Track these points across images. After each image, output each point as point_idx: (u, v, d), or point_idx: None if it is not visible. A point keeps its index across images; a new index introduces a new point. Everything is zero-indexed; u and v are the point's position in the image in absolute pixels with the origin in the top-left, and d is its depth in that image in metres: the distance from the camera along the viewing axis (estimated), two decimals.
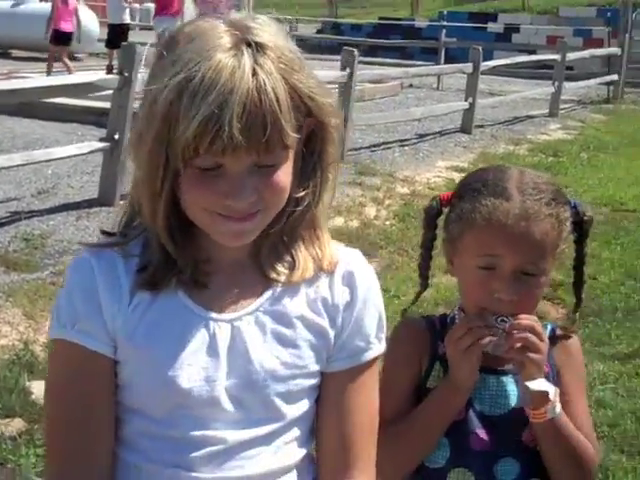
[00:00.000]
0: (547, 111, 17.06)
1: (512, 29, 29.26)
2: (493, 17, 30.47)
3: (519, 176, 1.91)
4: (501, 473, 1.94)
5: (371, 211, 9.22)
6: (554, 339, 2.00)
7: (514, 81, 21.31)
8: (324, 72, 13.31)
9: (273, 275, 1.63)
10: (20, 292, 6.25)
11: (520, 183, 1.90)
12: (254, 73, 1.44)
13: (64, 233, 7.40)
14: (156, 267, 1.58)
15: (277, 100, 1.45)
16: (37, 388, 4.97)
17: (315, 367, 1.65)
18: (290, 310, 1.63)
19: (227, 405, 1.58)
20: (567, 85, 18.20)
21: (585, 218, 2.00)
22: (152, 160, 1.50)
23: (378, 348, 1.70)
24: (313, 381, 1.65)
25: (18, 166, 7.62)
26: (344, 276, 1.68)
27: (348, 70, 10.80)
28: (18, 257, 6.80)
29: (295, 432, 1.65)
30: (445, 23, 26.03)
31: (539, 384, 1.84)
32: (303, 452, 1.68)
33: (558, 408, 1.88)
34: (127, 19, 19.30)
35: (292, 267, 1.63)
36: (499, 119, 15.91)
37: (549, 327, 2.04)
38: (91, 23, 21.30)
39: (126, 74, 7.74)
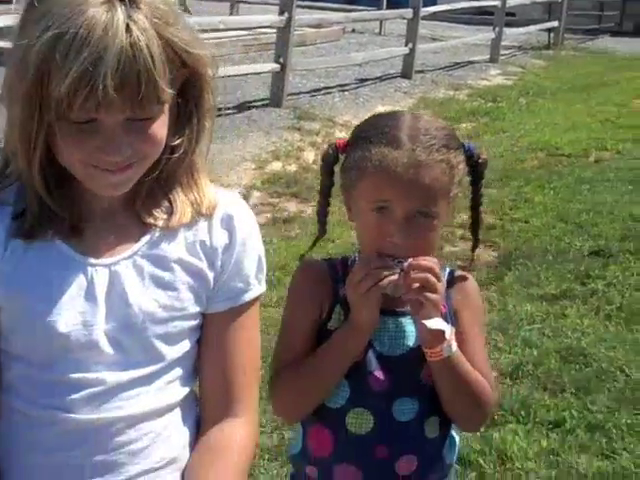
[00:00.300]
0: (488, 57, 17.14)
1: None
2: None
3: (412, 122, 1.93)
4: (400, 412, 1.97)
5: (309, 155, 9.24)
6: (452, 281, 2.04)
7: (457, 27, 21.35)
8: (260, 16, 13.33)
9: (150, 220, 1.65)
10: None
11: (412, 130, 1.91)
12: (128, 29, 1.43)
13: None
14: (33, 215, 1.58)
15: (151, 57, 1.44)
16: None
17: (195, 309, 1.69)
18: (168, 254, 1.66)
19: (106, 348, 1.61)
20: (508, 31, 18.25)
21: (480, 161, 2.01)
22: (24, 113, 1.49)
23: (258, 289, 1.76)
24: (193, 322, 1.70)
25: None
26: (223, 219, 1.71)
27: (286, 14, 10.76)
28: None
29: (177, 372, 1.70)
30: None
31: (435, 323, 1.88)
32: (186, 391, 1.73)
33: (454, 347, 1.92)
34: None
35: (170, 212, 1.66)
36: (440, 65, 15.96)
37: (447, 270, 2.07)
38: None
39: None
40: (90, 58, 1.41)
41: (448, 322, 1.94)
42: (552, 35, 20.75)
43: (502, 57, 17.59)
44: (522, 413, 4.08)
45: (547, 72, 16.88)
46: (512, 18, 20.06)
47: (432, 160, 1.88)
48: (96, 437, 1.62)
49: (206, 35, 13.95)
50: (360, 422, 1.98)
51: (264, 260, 1.77)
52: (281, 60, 10.97)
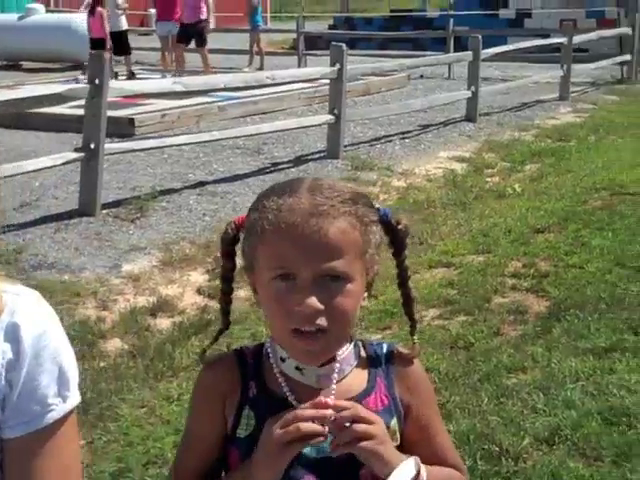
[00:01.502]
0: (557, 95, 16.74)
1: (524, 14, 28.77)
2: (504, 3, 30.01)
3: (313, 180, 1.69)
4: None
5: None
6: (391, 360, 1.78)
7: (529, 66, 20.92)
8: (311, 69, 13.22)
9: None
10: None
11: (312, 184, 1.67)
12: None
13: (40, 247, 7.26)
14: None
15: None
16: None
17: None
18: None
19: None
20: (579, 67, 17.84)
21: (400, 227, 1.76)
22: None
23: (62, 407, 1.52)
24: None
25: None
26: (7, 330, 1.48)
27: (338, 65, 10.59)
28: None
29: None
30: (455, 12, 25.60)
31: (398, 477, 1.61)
32: None
33: (424, 476, 1.66)
34: (124, 26, 19.29)
35: None
36: (507, 106, 15.63)
37: (384, 347, 1.81)
38: None
39: (97, 82, 7.59)
40: None
41: (394, 415, 1.70)
42: (625, 69, 20.24)
43: (573, 94, 17.17)
44: None
45: (619, 107, 16.40)
46: (585, 54, 19.61)
47: (336, 210, 1.62)
48: None
49: (266, 90, 14.00)
50: None
51: (72, 369, 1.53)
52: (335, 111, 10.79)
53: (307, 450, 1.66)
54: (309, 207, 1.61)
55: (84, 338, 5.75)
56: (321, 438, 1.60)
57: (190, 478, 1.77)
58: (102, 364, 5.46)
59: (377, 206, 1.74)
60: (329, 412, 1.61)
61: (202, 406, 1.78)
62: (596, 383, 4.78)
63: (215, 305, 6.25)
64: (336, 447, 1.61)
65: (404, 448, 1.72)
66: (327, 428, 1.60)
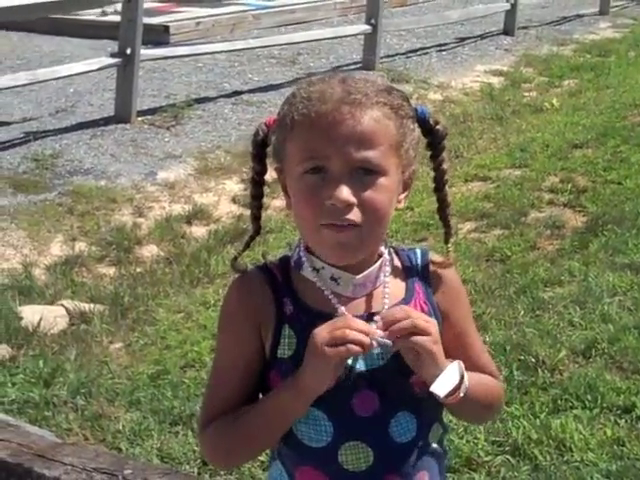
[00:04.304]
0: (598, 10, 16.39)
1: None
2: None
3: (347, 73, 1.63)
4: (399, 434, 1.66)
5: None
6: (427, 267, 1.73)
7: None
8: None
9: None
10: (26, 214, 6.15)
11: (346, 76, 1.60)
12: None
13: (76, 152, 7.26)
14: None
15: None
16: (28, 313, 4.88)
17: None
18: None
19: None
20: None
21: (437, 127, 1.68)
22: None
23: None
24: None
25: (23, 85, 7.46)
26: None
27: None
28: (27, 178, 6.69)
29: None
30: None
31: (443, 384, 1.59)
32: None
33: (466, 381, 1.63)
34: None
35: None
36: (546, 20, 15.31)
37: (418, 253, 1.75)
38: None
39: None
40: None
41: (432, 316, 1.65)
42: None
43: (613, 9, 16.79)
44: (588, 397, 3.76)
45: None
46: None
47: (370, 100, 1.55)
48: None
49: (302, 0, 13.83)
50: (357, 458, 1.64)
51: None
52: (372, 21, 10.62)
53: (357, 364, 1.63)
54: (341, 95, 1.54)
55: (120, 244, 5.79)
56: (360, 349, 1.53)
57: (218, 426, 1.68)
58: (139, 269, 5.50)
59: (415, 106, 1.66)
60: (378, 330, 1.56)
61: (235, 330, 1.67)
62: (633, 298, 4.77)
63: None
64: (397, 340, 1.56)
65: None
66: (374, 343, 1.56)
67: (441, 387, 1.59)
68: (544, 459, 3.38)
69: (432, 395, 1.61)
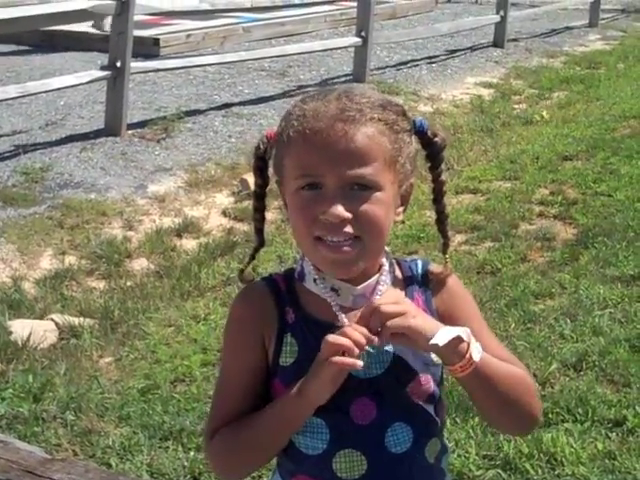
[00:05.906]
0: (587, 22, 16.46)
1: None
2: None
3: (344, 87, 1.64)
4: (394, 443, 1.67)
5: None
6: (427, 276, 1.74)
7: None
8: None
9: None
10: (15, 227, 6.13)
11: (342, 91, 1.61)
12: None
13: (65, 165, 7.24)
14: None
15: None
16: (18, 327, 4.86)
17: None
18: None
19: None
20: None
21: (436, 139, 1.69)
22: None
23: None
24: None
25: (13, 98, 7.44)
26: None
27: None
28: (16, 192, 6.67)
29: None
30: None
31: (442, 335, 1.57)
32: None
33: (479, 345, 1.62)
34: None
35: None
36: (536, 32, 15.37)
37: (419, 263, 1.76)
38: None
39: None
40: None
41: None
42: None
43: (602, 21, 16.88)
44: (579, 411, 3.75)
45: None
46: None
47: (364, 116, 1.56)
48: None
49: (292, 12, 13.84)
50: (351, 466, 1.66)
51: None
52: (363, 34, 10.64)
53: (357, 373, 1.62)
54: (335, 112, 1.56)
55: (110, 257, 5.77)
56: (360, 363, 1.55)
57: (225, 434, 1.70)
58: (129, 283, 5.48)
59: (414, 119, 1.67)
60: (375, 338, 1.57)
61: (240, 339, 1.71)
62: (624, 310, 4.77)
63: (240, 227, 6.26)
64: (378, 335, 1.56)
65: None
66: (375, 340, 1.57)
67: (440, 338, 1.58)
68: (535, 473, 3.38)
69: (430, 401, 1.66)
